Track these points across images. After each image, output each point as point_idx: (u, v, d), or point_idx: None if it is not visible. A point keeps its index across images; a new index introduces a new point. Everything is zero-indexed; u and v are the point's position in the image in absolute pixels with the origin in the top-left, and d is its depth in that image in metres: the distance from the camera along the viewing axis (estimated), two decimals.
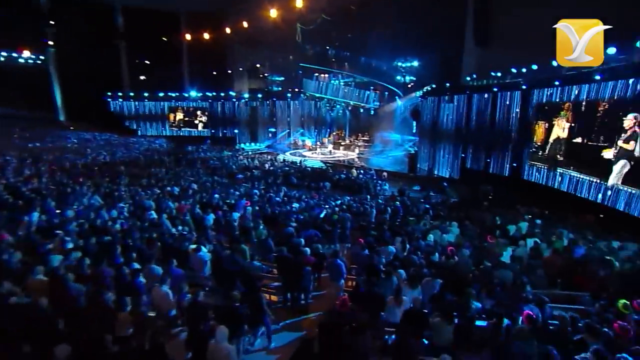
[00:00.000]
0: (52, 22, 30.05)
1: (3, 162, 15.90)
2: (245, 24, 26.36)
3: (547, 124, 13.62)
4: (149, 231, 7.58)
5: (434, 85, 20.78)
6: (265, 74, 35.27)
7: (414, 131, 25.56)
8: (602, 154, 10.93)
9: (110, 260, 5.67)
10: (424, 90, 21.91)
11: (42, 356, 3.66)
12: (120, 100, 32.96)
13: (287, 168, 20.13)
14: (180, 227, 8.24)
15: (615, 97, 10.66)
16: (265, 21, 24.06)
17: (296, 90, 31.52)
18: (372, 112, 29.68)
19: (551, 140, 13.36)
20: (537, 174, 14.26)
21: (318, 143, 29.72)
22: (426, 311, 4.68)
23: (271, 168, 19.98)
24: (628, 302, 4.69)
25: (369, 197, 14.20)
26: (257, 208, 10.60)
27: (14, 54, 30.19)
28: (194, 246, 6.60)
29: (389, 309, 4.92)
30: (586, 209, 11.41)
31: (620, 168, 10.43)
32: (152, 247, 6.71)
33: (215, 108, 32.12)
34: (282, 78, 34.75)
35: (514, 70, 15.12)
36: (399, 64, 27.75)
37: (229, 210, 10.04)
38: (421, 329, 4.22)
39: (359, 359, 3.86)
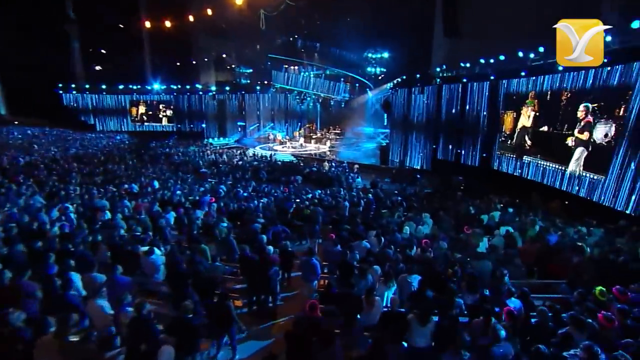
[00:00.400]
0: None
1: None
2: (209, 11, 24.97)
3: (515, 114, 13.81)
4: (96, 234, 6.71)
5: (404, 77, 20.68)
6: (233, 66, 33.95)
7: (385, 123, 25.49)
8: (566, 142, 11.18)
9: (40, 270, 4.82)
10: (395, 82, 21.79)
11: None
12: (75, 92, 30.48)
13: (256, 162, 19.39)
14: (135, 228, 7.40)
15: (576, 88, 10.92)
16: (230, 8, 22.89)
17: (265, 82, 30.54)
18: (343, 105, 29.38)
19: (518, 129, 13.57)
20: (505, 163, 14.48)
21: (288, 137, 29.01)
22: (403, 310, 4.29)
23: (240, 163, 19.17)
24: (604, 289, 4.61)
25: (342, 190, 13.82)
26: (222, 204, 9.88)
27: None
28: (145, 248, 5.85)
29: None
30: (553, 196, 11.65)
31: (579, 155, 10.75)
32: (98, 251, 5.90)
33: (180, 101, 30.45)
34: (251, 70, 33.65)
35: (482, 61, 15.21)
36: (369, 55, 27.52)
37: (192, 208, 9.33)
38: (400, 334, 3.81)
39: None
